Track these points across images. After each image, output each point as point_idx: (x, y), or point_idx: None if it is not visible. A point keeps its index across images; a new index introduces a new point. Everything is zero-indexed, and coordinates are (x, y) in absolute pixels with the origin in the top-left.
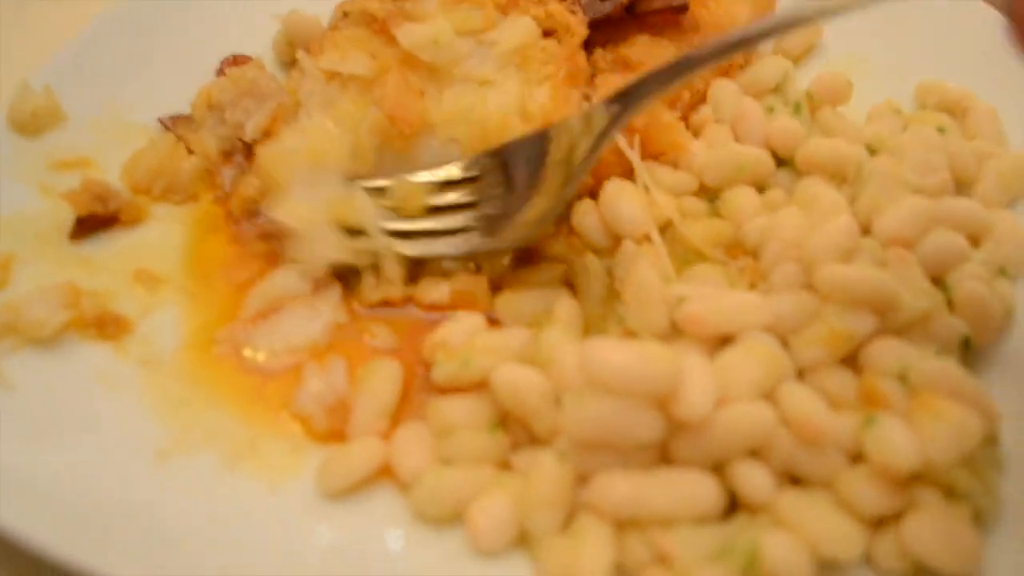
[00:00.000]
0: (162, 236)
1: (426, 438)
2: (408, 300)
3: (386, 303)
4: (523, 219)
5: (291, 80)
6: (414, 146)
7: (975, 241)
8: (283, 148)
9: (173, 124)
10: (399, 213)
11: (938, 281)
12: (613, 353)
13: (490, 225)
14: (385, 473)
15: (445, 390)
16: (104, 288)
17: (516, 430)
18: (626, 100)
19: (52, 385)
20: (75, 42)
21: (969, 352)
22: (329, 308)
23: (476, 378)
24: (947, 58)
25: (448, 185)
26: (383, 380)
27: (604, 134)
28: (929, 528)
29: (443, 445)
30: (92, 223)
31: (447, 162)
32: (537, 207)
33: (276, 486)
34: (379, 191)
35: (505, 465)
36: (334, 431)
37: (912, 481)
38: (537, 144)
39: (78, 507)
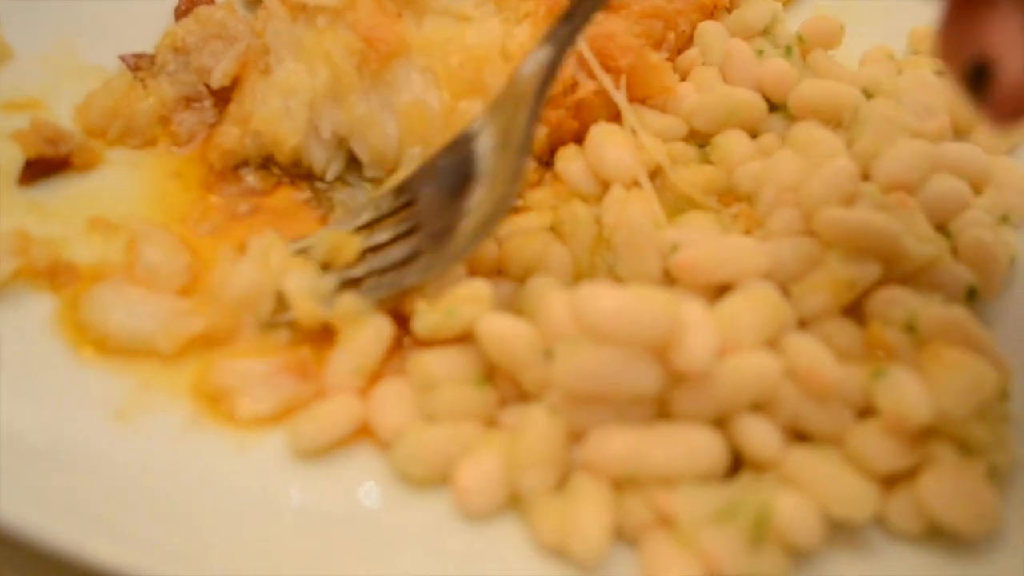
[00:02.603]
0: (118, 182)
1: (407, 393)
2: None
3: None
4: (479, 218)
5: (257, 21)
6: (391, 69)
7: (976, 188)
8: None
9: (135, 63)
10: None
11: (940, 228)
12: (607, 299)
13: (441, 240)
14: (363, 432)
15: (427, 342)
16: (57, 236)
17: (504, 385)
18: (552, 45)
19: (1, 337)
20: None
21: (974, 302)
22: None
23: (460, 329)
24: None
25: (379, 221)
26: (367, 338)
27: (539, 95)
28: (945, 485)
29: (426, 401)
30: (42, 167)
31: (423, 90)
32: (493, 200)
33: (245, 446)
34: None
35: (492, 423)
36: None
37: (925, 436)
38: (463, 145)
39: (31, 468)
